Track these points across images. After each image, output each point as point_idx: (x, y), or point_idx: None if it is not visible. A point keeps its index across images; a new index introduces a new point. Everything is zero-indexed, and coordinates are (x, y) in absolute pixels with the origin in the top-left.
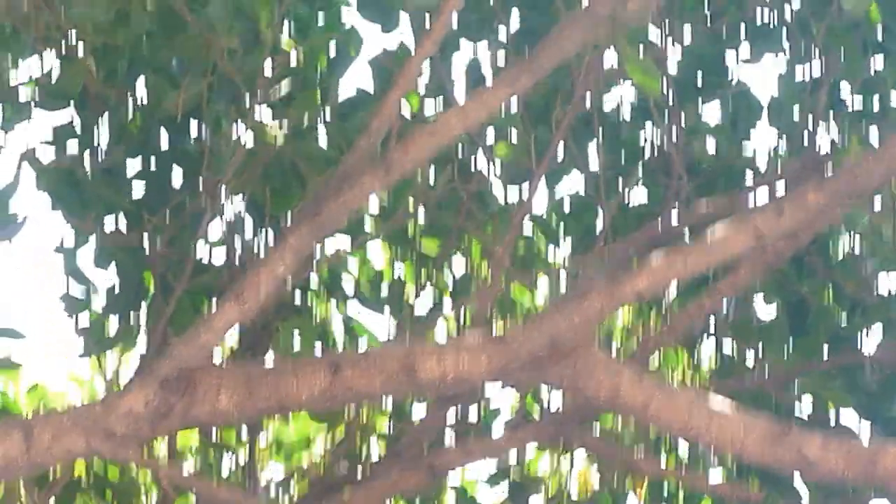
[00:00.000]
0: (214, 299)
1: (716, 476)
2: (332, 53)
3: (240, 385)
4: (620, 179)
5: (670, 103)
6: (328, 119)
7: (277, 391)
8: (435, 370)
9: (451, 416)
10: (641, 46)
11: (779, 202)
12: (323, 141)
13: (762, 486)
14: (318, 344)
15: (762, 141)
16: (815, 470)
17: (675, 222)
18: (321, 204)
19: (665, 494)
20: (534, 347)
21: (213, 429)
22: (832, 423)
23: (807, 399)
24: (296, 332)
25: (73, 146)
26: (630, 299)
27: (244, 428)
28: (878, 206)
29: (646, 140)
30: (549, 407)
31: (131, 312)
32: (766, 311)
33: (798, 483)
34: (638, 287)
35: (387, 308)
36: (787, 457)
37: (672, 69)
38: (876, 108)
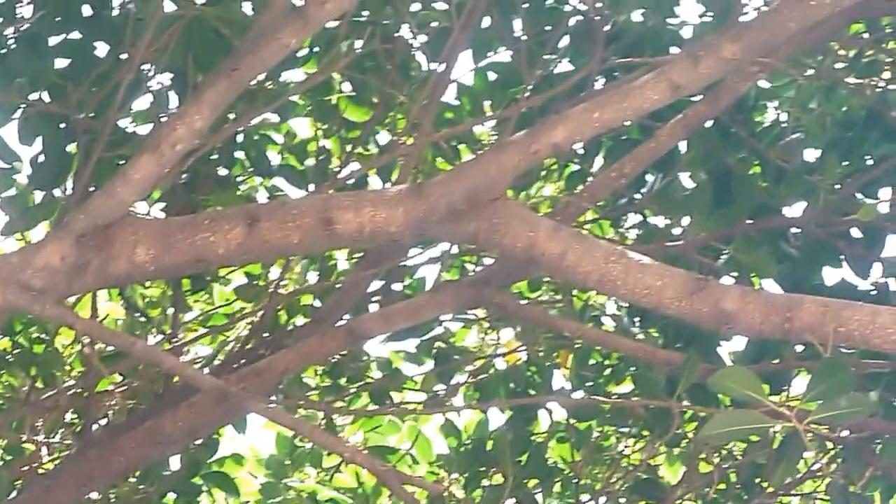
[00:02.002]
0: None
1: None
2: None
3: (156, 239)
4: (545, 47)
5: None
6: None
7: (194, 244)
8: (352, 222)
9: (374, 286)
10: None
11: (694, 54)
12: (247, 8)
13: (685, 351)
14: None
15: (688, 12)
16: (733, 323)
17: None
18: (238, 60)
19: (590, 364)
20: (451, 200)
21: (141, 304)
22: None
23: (731, 268)
24: (221, 205)
25: None
26: (547, 151)
27: (170, 305)
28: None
29: (570, 8)
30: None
31: (56, 186)
32: (691, 182)
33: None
34: (554, 139)
35: (312, 185)
36: (705, 309)
37: None
38: None
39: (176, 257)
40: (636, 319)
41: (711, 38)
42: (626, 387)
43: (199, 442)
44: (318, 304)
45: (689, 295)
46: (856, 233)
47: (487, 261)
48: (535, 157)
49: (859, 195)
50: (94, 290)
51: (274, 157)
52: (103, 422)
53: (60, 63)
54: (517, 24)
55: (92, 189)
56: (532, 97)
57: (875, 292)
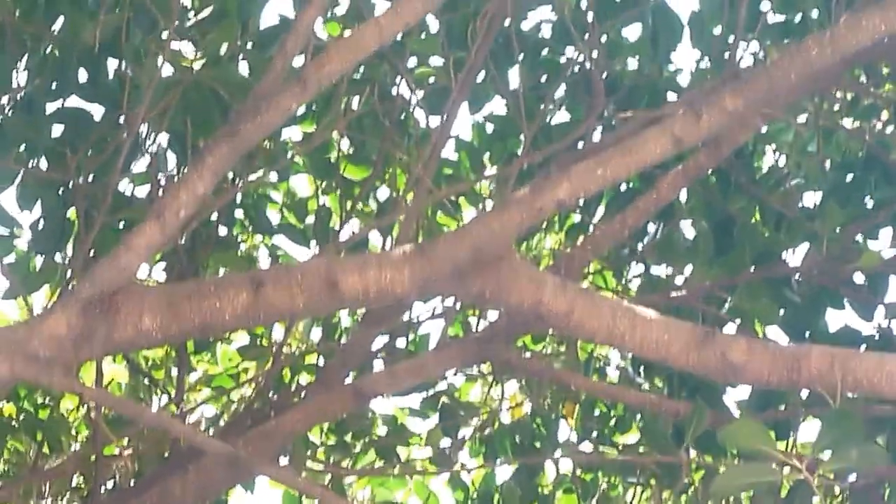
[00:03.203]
0: None
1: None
2: None
3: (163, 306)
4: (543, 99)
5: (589, 21)
6: (249, 48)
7: (201, 311)
8: (357, 284)
9: (378, 343)
10: None
11: (697, 107)
12: (243, 70)
13: (691, 399)
14: None
15: (684, 59)
16: (741, 374)
17: (597, 140)
18: (238, 124)
19: (595, 415)
20: (456, 259)
21: (145, 366)
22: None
23: (734, 316)
24: (222, 265)
25: None
26: (551, 208)
27: (174, 365)
28: (801, 119)
29: (566, 59)
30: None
31: (57, 251)
32: (691, 230)
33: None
34: (558, 196)
35: (312, 241)
36: (712, 361)
37: None
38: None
39: (182, 324)
40: (641, 369)
41: (712, 88)
42: (633, 436)
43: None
44: (321, 361)
45: (696, 348)
46: (858, 277)
47: (491, 314)
48: (540, 215)
49: (860, 238)
50: (101, 358)
51: (274, 215)
52: (111, 485)
53: (57, 128)
54: (513, 75)
55: (93, 253)
56: (532, 154)
57: (878, 337)
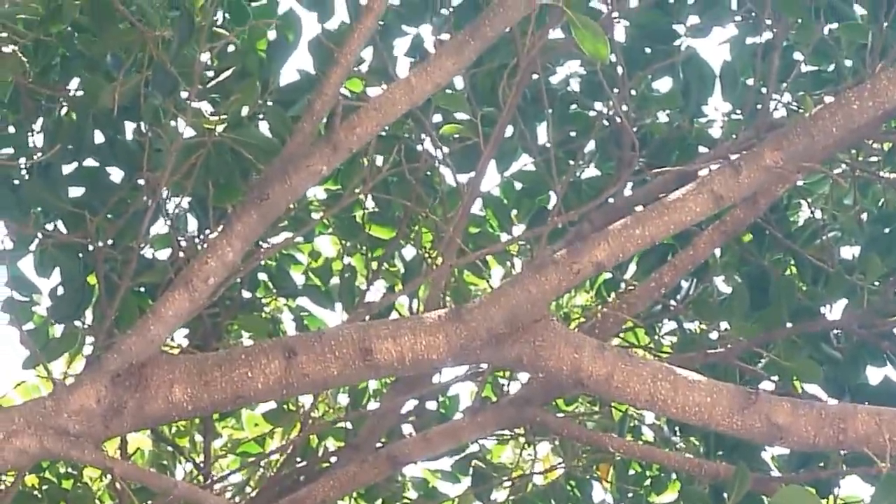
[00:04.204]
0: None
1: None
2: (271, 39)
3: (193, 377)
4: (572, 154)
5: (619, 73)
6: (269, 105)
7: (232, 381)
8: (392, 352)
9: (408, 406)
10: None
11: (736, 164)
12: (264, 129)
13: (728, 458)
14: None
15: (716, 111)
16: (786, 437)
17: (628, 195)
18: (267, 188)
19: (630, 475)
20: (493, 324)
21: (169, 434)
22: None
23: (772, 372)
24: (246, 329)
25: (6, 148)
26: (589, 271)
27: (199, 432)
28: (836, 171)
29: (596, 113)
30: (508, 392)
31: (77, 318)
32: (726, 286)
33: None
34: (597, 258)
35: (338, 303)
36: (756, 425)
37: (619, 38)
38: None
39: (214, 395)
40: (676, 428)
41: (745, 139)
42: (669, 496)
43: None
44: (348, 425)
45: (739, 410)
46: None
47: (522, 374)
48: (578, 278)
49: None
50: (131, 432)
51: (298, 276)
52: None
53: (75, 191)
54: (541, 131)
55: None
56: (562, 211)
57: None
